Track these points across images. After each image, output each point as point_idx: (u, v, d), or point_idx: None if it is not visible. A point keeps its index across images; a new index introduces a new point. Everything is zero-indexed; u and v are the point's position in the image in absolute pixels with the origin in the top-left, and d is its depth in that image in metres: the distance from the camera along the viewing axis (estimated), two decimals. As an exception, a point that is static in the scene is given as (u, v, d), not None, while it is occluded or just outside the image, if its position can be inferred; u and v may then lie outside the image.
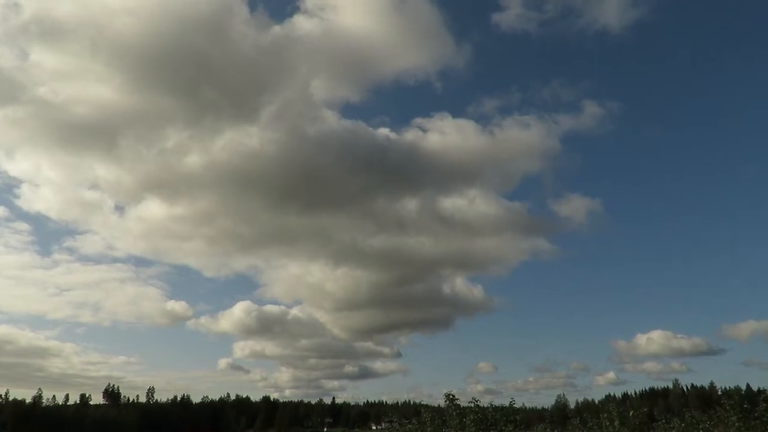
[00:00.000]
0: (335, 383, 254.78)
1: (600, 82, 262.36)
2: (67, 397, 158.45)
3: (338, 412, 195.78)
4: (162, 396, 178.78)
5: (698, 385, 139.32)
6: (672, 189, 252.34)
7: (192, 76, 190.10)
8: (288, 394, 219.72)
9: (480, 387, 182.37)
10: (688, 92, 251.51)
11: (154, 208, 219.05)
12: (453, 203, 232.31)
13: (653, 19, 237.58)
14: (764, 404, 15.24)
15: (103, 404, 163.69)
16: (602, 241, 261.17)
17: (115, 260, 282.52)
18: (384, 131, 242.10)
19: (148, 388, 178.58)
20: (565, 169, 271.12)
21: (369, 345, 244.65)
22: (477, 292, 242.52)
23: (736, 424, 16.08)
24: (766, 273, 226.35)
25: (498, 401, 18.06)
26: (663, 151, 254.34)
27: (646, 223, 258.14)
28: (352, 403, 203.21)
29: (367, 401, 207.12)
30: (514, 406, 19.30)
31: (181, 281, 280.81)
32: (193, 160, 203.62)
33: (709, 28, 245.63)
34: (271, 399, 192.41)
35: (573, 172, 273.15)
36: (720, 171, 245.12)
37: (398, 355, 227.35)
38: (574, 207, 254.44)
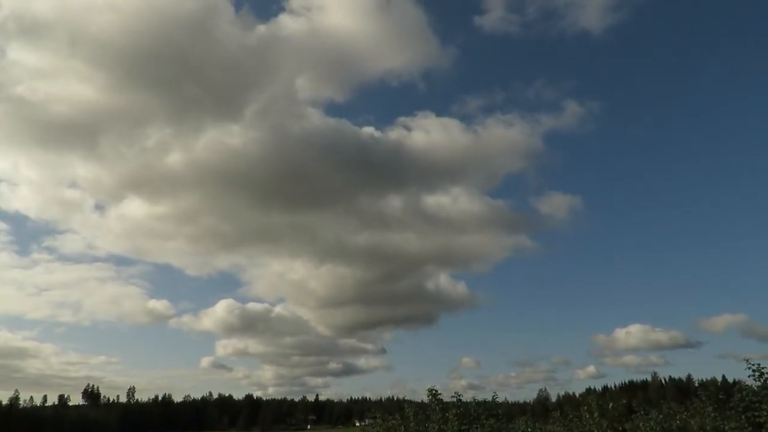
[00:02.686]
0: (319, 380, 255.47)
1: (581, 82, 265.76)
2: (45, 398, 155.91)
3: (322, 409, 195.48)
4: (143, 396, 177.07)
5: (676, 377, 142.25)
6: (650, 187, 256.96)
7: (175, 75, 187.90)
8: (271, 392, 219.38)
9: (463, 382, 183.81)
10: (667, 92, 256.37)
11: (135, 207, 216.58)
12: (437, 201, 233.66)
13: (632, 22, 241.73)
14: (738, 395, 15.61)
15: (83, 405, 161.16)
16: (583, 237, 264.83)
17: (96, 259, 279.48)
18: (369, 130, 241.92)
19: (128, 387, 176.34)
20: (546, 167, 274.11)
21: (353, 342, 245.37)
22: (460, 288, 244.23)
23: (712, 414, 16.47)
24: (741, 268, 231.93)
25: (481, 396, 18.25)
26: (641, 149, 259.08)
27: (625, 219, 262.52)
28: (335, 400, 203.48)
29: (351, 398, 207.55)
30: (497, 400, 19.47)
31: (163, 280, 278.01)
32: (176, 158, 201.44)
33: (687, 30, 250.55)
34: (254, 397, 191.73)
35: (554, 170, 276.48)
36: (696, 169, 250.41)
37: (382, 351, 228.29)
38: (556, 204, 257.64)
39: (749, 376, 15.38)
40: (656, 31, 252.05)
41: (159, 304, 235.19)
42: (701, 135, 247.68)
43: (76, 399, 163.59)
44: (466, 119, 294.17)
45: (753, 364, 15.33)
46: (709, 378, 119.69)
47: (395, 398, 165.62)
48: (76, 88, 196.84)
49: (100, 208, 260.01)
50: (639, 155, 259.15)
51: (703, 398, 17.39)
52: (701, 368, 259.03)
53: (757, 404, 14.88)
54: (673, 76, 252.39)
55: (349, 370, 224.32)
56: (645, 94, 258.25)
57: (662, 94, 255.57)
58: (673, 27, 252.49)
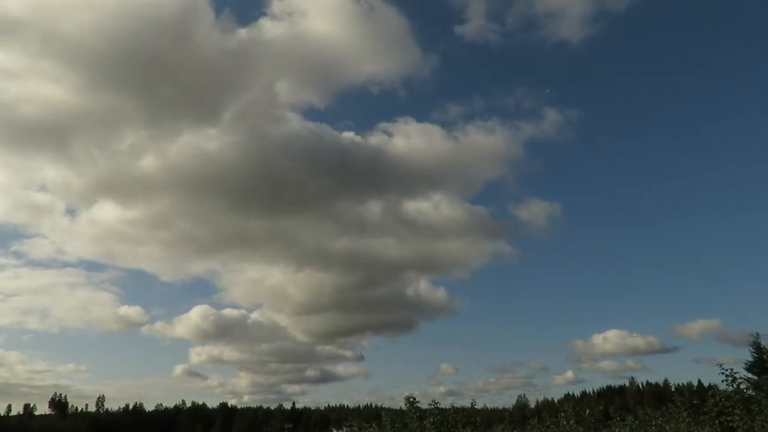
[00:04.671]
0: (296, 388, 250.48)
1: (561, 90, 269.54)
2: (9, 408, 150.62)
3: (298, 417, 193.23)
4: (113, 405, 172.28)
5: (653, 382, 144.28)
6: (626, 194, 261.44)
7: (151, 77, 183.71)
8: (246, 400, 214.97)
9: (442, 389, 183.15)
10: (644, 102, 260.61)
11: (107, 211, 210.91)
12: (417, 207, 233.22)
13: (609, 33, 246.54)
14: (712, 400, 15.78)
15: (49, 414, 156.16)
16: (561, 244, 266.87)
17: (66, 265, 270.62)
18: (349, 135, 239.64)
19: (97, 396, 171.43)
20: (526, 174, 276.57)
21: (331, 348, 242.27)
22: (440, 294, 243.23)
23: (687, 419, 16.61)
24: (716, 274, 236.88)
25: (459, 402, 18.07)
26: (618, 157, 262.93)
27: (602, 226, 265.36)
28: (312, 408, 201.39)
29: (328, 405, 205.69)
30: (475, 407, 19.31)
31: (136, 286, 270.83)
32: (150, 162, 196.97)
33: (663, 41, 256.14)
34: (229, 405, 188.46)
35: (534, 177, 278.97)
36: (672, 177, 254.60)
37: (360, 358, 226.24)
38: (535, 211, 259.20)
39: (722, 381, 15.59)
40: (632, 42, 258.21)
41: (131, 311, 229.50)
42: (678, 144, 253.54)
43: (43, 408, 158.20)
44: (447, 125, 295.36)
45: (726, 370, 15.54)
46: (685, 383, 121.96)
47: (373, 405, 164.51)
48: (47, 89, 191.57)
49: (70, 211, 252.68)
50: (615, 163, 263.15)
51: (678, 403, 17.55)
52: (677, 373, 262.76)
53: (729, 409, 15.05)
54: (649, 86, 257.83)
55: (326, 378, 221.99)
56: (622, 104, 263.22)
57: (639, 103, 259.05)
58: (649, 38, 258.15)
